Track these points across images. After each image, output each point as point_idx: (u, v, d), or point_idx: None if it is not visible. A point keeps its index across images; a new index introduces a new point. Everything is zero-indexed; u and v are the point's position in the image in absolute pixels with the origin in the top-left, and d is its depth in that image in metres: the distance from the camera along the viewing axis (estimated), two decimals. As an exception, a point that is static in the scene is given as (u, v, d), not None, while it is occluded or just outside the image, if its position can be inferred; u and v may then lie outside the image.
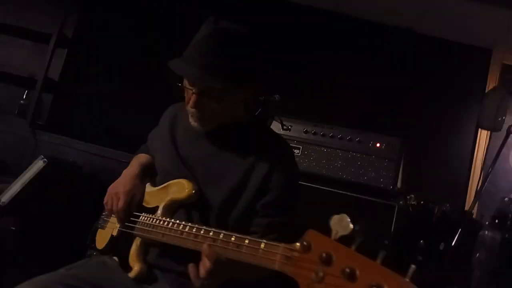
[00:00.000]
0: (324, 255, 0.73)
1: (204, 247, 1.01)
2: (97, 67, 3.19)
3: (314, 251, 0.76)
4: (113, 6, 3.25)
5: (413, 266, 0.64)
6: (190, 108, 1.24)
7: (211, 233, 1.02)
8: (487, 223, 1.96)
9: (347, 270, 0.69)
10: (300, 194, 1.36)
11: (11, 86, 3.18)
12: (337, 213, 0.77)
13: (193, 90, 1.20)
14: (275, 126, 2.16)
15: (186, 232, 1.09)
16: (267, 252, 0.88)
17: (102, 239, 1.39)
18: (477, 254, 1.64)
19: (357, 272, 0.68)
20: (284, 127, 2.15)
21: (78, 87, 3.19)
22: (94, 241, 1.43)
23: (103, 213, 1.47)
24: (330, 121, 2.17)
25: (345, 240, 0.74)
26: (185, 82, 1.24)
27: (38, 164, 2.22)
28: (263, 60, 1.26)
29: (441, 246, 1.79)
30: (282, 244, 0.85)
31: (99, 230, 1.45)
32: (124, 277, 1.21)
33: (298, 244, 0.80)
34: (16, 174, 2.28)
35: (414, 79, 2.82)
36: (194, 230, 1.07)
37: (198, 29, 1.23)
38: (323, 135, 2.12)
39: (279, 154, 1.28)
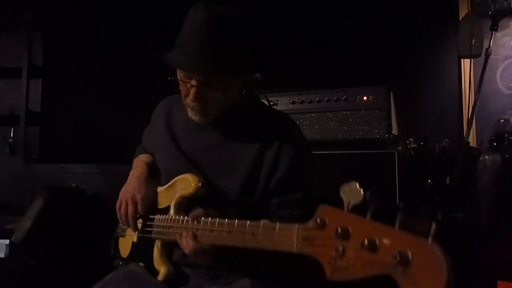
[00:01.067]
0: (340, 229, 0.72)
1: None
2: (75, 87, 3.17)
3: (329, 227, 0.75)
4: (75, 23, 3.20)
5: (433, 226, 0.63)
6: (190, 102, 1.19)
7: (225, 224, 1.01)
8: (487, 146, 1.99)
9: (366, 242, 0.67)
10: (312, 169, 1.28)
11: (-5, 127, 3.17)
12: (343, 174, 0.76)
13: (192, 83, 1.15)
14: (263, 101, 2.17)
15: (201, 228, 1.08)
16: (283, 236, 0.86)
17: (124, 247, 1.38)
18: (481, 180, 1.67)
19: (377, 242, 0.67)
20: (271, 103, 2.15)
21: (61, 111, 3.18)
22: (118, 250, 1.43)
23: (120, 222, 1.45)
24: (314, 86, 2.17)
25: (359, 208, 0.73)
26: (180, 75, 1.19)
27: (38, 203, 2.23)
28: (262, 45, 1.23)
29: (447, 181, 1.82)
30: (297, 225, 0.83)
31: (120, 238, 1.43)
32: (155, 282, 1.20)
33: (312, 222, 0.78)
34: (22, 212, 2.30)
35: (386, 25, 2.80)
36: (208, 224, 1.05)
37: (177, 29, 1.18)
38: (310, 102, 2.13)
39: (285, 132, 1.24)
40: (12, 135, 3.06)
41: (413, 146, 2.15)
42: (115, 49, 3.09)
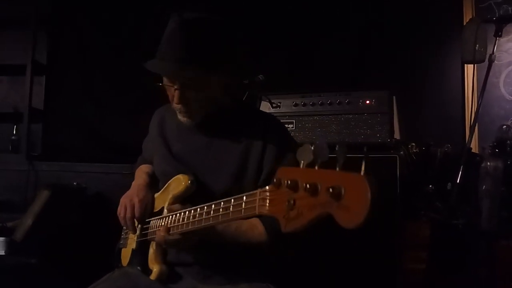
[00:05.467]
0: (289, 182, 0.76)
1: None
2: (79, 85, 3.18)
3: (283, 184, 0.79)
4: (79, 21, 3.21)
5: (363, 161, 0.67)
6: (176, 105, 1.26)
7: (205, 208, 1.07)
8: (489, 152, 1.98)
9: (308, 185, 0.71)
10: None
11: (-2, 125, 3.18)
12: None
13: (175, 86, 1.23)
14: (265, 106, 2.17)
15: (186, 217, 1.13)
16: (248, 202, 0.93)
17: (126, 256, 1.43)
18: (483, 186, 1.67)
19: (318, 185, 0.71)
20: (274, 105, 2.16)
21: (64, 109, 3.19)
22: (120, 261, 1.46)
23: (123, 232, 1.50)
24: (317, 89, 2.17)
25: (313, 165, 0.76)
26: (165, 81, 1.26)
27: (43, 195, 2.23)
28: (231, 41, 1.28)
29: (449, 186, 1.82)
30: (258, 190, 0.90)
31: (123, 249, 1.48)
32: (149, 282, 1.24)
33: (270, 185, 0.84)
34: (23, 210, 2.30)
35: (390, 29, 2.79)
36: (192, 212, 1.11)
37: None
38: (312, 105, 2.13)
39: (269, 130, 1.30)
40: (15, 132, 3.07)
41: (415, 150, 2.14)
42: (119, 48, 3.10)
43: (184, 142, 1.37)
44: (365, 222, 0.62)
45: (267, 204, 0.85)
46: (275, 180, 0.81)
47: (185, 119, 1.29)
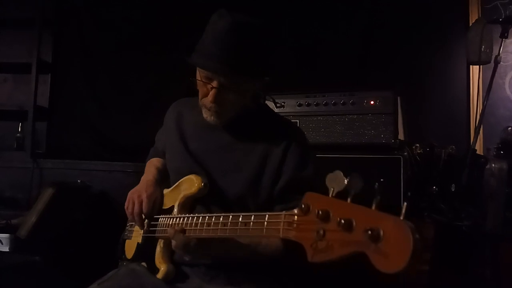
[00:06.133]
0: (321, 212, 0.74)
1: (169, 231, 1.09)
2: (83, 84, 3.19)
3: (312, 211, 0.78)
4: (85, 20, 3.22)
5: (405, 204, 0.66)
6: (208, 103, 1.23)
7: (221, 218, 1.04)
8: (494, 153, 1.97)
9: (343, 221, 0.69)
10: (317, 176, 1.29)
11: (3, 122, 3.20)
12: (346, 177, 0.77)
13: (213, 84, 1.20)
14: (269, 106, 2.17)
15: (199, 223, 1.10)
16: (271, 223, 0.91)
17: (130, 249, 1.42)
18: (488, 187, 1.66)
19: (353, 221, 0.69)
20: (278, 105, 2.15)
21: (69, 108, 3.20)
22: (124, 252, 1.46)
23: (128, 224, 1.49)
24: (321, 89, 2.17)
25: (344, 195, 0.75)
26: (201, 76, 1.24)
27: (48, 193, 2.24)
28: (274, 51, 1.30)
29: (453, 188, 1.81)
30: (284, 212, 0.87)
31: (127, 241, 1.47)
32: (154, 280, 1.23)
33: (297, 209, 0.82)
34: (28, 207, 2.31)
35: (395, 29, 2.78)
36: (206, 219, 1.08)
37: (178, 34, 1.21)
38: (316, 105, 2.12)
39: (291, 138, 1.28)
40: (20, 130, 3.08)
41: (419, 151, 2.14)
42: (124, 47, 3.11)
43: (201, 140, 1.34)
44: (406, 270, 0.60)
45: (294, 230, 0.83)
46: (303, 206, 0.79)
47: (212, 118, 1.26)
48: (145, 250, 1.32)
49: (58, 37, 3.26)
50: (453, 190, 1.79)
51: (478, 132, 1.89)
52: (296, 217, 0.82)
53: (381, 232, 0.64)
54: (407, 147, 2.04)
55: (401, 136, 2.08)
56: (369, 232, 0.64)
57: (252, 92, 1.28)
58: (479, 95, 2.33)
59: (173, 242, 1.12)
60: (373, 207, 0.68)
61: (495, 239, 1.74)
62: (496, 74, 2.01)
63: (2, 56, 3.19)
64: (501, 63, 2.06)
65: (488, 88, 1.90)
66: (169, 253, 1.26)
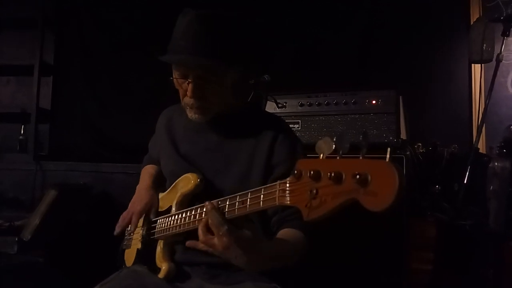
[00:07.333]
0: (312, 172, 0.77)
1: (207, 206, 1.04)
2: (86, 86, 3.20)
3: (304, 175, 0.80)
4: (87, 22, 3.22)
5: (388, 149, 0.70)
6: (188, 99, 1.25)
7: (220, 203, 1.05)
8: (496, 152, 1.96)
9: (333, 174, 0.72)
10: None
11: (6, 124, 3.21)
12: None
13: (188, 79, 1.22)
14: (270, 106, 2.17)
15: (198, 213, 1.12)
16: (267, 194, 0.93)
17: (130, 257, 1.44)
18: (491, 187, 1.66)
19: (343, 173, 0.72)
20: (279, 105, 2.15)
21: (71, 110, 3.21)
22: (123, 262, 1.47)
23: (126, 233, 1.50)
24: (323, 89, 2.17)
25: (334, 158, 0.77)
26: (177, 75, 1.26)
27: (51, 194, 2.25)
28: (247, 40, 1.29)
29: (456, 187, 1.81)
30: (278, 181, 0.90)
31: (126, 250, 1.48)
32: (156, 280, 1.24)
33: (291, 176, 0.85)
34: (31, 208, 2.32)
35: (397, 29, 2.78)
36: (203, 208, 1.09)
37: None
38: (318, 105, 2.12)
39: (276, 131, 1.30)
40: (22, 132, 3.09)
41: (421, 151, 2.13)
42: (124, 47, 3.11)
43: (191, 142, 1.38)
44: (394, 204, 0.64)
45: (289, 195, 0.85)
46: (295, 172, 0.82)
47: (196, 115, 1.28)
48: (146, 254, 1.34)
49: (60, 38, 3.27)
50: (455, 189, 1.78)
51: (481, 131, 1.88)
52: (288, 184, 0.85)
53: (369, 176, 0.68)
54: (409, 147, 2.04)
55: (403, 136, 2.07)
56: (357, 176, 0.68)
57: (232, 81, 1.28)
58: (481, 93, 2.33)
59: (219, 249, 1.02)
60: (360, 158, 0.71)
61: (498, 238, 1.73)
62: (498, 73, 2.01)
63: (5, 58, 3.21)
64: (503, 61, 2.05)
65: (490, 87, 1.90)
66: (170, 252, 1.28)
